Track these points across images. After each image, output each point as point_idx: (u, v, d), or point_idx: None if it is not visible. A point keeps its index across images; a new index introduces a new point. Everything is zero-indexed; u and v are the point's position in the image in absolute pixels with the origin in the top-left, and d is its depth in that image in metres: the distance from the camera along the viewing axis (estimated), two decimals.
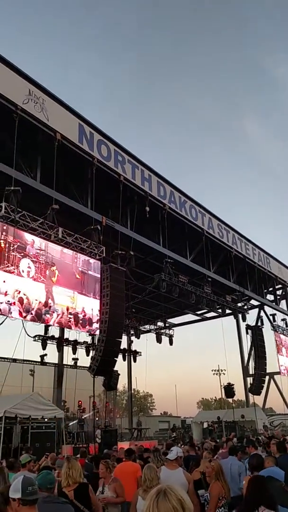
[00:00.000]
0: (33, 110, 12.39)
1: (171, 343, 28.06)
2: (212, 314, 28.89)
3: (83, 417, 21.67)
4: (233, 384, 24.38)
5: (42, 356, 22.39)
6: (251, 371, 25.98)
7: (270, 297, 28.71)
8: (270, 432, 21.25)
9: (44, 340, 21.49)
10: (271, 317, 27.51)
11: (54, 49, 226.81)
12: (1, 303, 10.86)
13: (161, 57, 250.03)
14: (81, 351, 23.01)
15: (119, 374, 20.83)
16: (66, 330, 17.96)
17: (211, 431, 23.36)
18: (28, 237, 12.06)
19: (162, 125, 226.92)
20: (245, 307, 26.40)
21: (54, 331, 21.51)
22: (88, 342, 22.33)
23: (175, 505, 1.52)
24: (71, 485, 4.33)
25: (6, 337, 17.70)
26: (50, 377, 23.75)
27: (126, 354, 27.64)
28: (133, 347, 28.66)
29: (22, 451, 10.08)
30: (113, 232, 15.40)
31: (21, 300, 11.38)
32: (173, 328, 29.10)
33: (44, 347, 21.79)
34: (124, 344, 25.68)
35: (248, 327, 25.55)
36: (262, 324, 26.85)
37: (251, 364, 25.93)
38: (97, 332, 14.40)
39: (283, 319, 28.71)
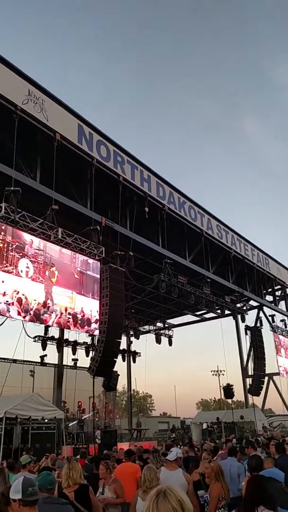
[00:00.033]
0: (32, 110, 12.40)
1: (170, 343, 28.04)
2: (211, 314, 28.91)
3: (83, 418, 21.66)
4: (232, 385, 24.39)
5: (42, 357, 22.39)
6: (250, 372, 25.98)
7: (269, 298, 28.75)
8: (270, 433, 21.26)
9: (44, 340, 21.49)
10: (270, 318, 27.54)
11: (54, 49, 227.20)
12: (0, 303, 10.86)
13: (161, 57, 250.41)
14: (80, 352, 23.04)
15: (118, 375, 20.84)
16: (66, 330, 17.98)
17: (210, 432, 23.36)
18: (26, 237, 12.04)
19: (162, 125, 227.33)
20: (244, 307, 26.36)
21: (54, 332, 21.53)
22: (88, 343, 22.34)
23: (175, 506, 1.52)
24: (71, 486, 4.33)
25: (6, 338, 17.74)
26: (50, 377, 23.74)
27: (126, 354, 27.65)
28: (133, 348, 28.65)
29: (22, 451, 10.08)
30: (112, 233, 15.41)
31: (19, 300, 11.36)
32: (172, 329, 29.08)
33: (44, 348, 21.79)
34: (123, 345, 25.70)
35: (247, 328, 25.57)
36: (261, 325, 26.87)
37: (250, 365, 25.94)
38: (96, 332, 14.39)
39: (282, 320, 28.73)
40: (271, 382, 28.54)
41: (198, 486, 5.35)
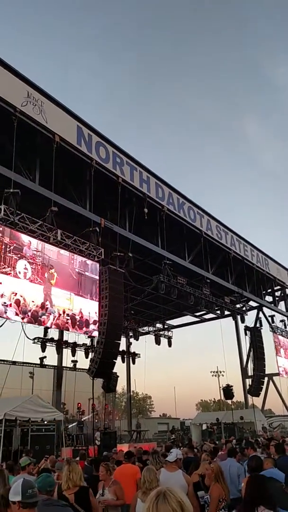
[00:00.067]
0: (31, 112, 12.42)
1: (170, 344, 28.04)
2: (211, 315, 28.91)
3: (82, 419, 21.60)
4: (232, 386, 24.37)
5: (41, 359, 22.36)
6: (250, 373, 25.95)
7: (269, 298, 28.76)
8: (270, 434, 21.26)
9: (43, 342, 21.48)
10: (269, 319, 27.55)
11: (53, 49, 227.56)
12: None
13: (161, 57, 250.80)
14: (80, 353, 23.03)
15: (118, 376, 20.81)
16: (65, 332, 17.96)
17: (210, 433, 23.33)
18: (24, 238, 12.02)
19: (162, 125, 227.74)
20: (244, 308, 26.35)
21: (54, 334, 21.51)
22: (87, 344, 22.33)
23: (175, 508, 1.53)
24: (71, 488, 4.32)
25: (5, 339, 17.69)
26: (50, 379, 23.70)
27: (125, 356, 27.64)
28: (132, 349, 28.64)
29: (22, 453, 10.07)
30: (111, 234, 15.41)
31: (17, 302, 11.32)
32: (172, 330, 29.08)
33: (43, 350, 21.78)
34: (123, 346, 25.68)
35: (247, 328, 25.56)
36: (261, 325, 26.86)
37: (250, 366, 25.91)
38: (94, 333, 14.35)
39: (281, 320, 28.74)
40: (270, 382, 28.52)
41: (197, 488, 5.34)
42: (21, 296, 11.47)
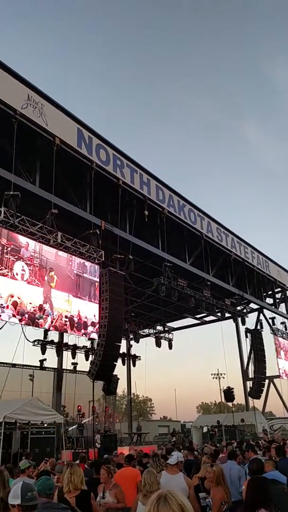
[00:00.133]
0: (32, 115, 12.44)
1: (170, 347, 28.00)
2: (211, 317, 28.85)
3: (82, 422, 21.56)
4: (232, 388, 24.32)
5: (41, 361, 22.34)
6: (251, 375, 25.92)
7: (270, 300, 28.72)
8: (270, 436, 21.19)
9: (43, 344, 21.45)
10: (270, 321, 27.54)
11: (53, 51, 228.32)
12: None
13: (161, 58, 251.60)
14: (80, 356, 23.00)
15: (118, 379, 20.78)
16: (65, 334, 17.92)
17: (212, 436, 23.25)
18: (22, 239, 11.97)
19: (162, 126, 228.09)
20: (245, 310, 26.39)
21: (54, 336, 21.49)
22: (88, 347, 22.31)
23: (176, 511, 1.52)
24: (72, 491, 4.30)
25: (5, 342, 17.67)
26: (50, 382, 23.66)
27: (126, 358, 27.60)
28: (133, 352, 28.62)
29: (22, 456, 10.03)
30: (112, 236, 15.41)
31: (14, 304, 11.27)
32: (172, 332, 29.06)
33: (43, 352, 21.76)
34: (123, 349, 25.66)
35: (247, 330, 25.54)
36: (262, 327, 26.86)
37: (251, 368, 25.87)
38: (92, 335, 14.29)
39: (282, 323, 28.70)
40: (271, 384, 28.47)
41: (197, 491, 5.33)
42: (18, 298, 11.42)
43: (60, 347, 22.30)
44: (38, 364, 22.53)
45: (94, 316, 14.04)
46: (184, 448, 14.42)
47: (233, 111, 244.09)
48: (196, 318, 29.97)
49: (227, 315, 25.21)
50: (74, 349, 22.57)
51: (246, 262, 23.71)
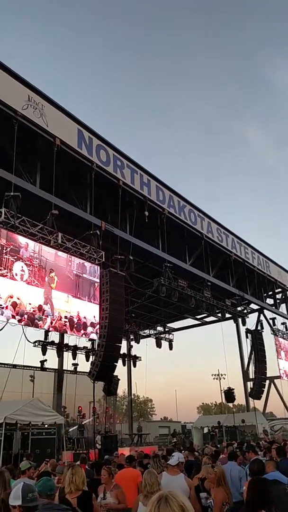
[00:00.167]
0: (32, 115, 12.44)
1: (171, 347, 28.00)
2: (211, 318, 28.85)
3: (83, 423, 21.55)
4: (233, 389, 24.30)
5: (42, 362, 22.32)
6: (251, 376, 25.90)
7: (270, 301, 28.70)
8: (271, 437, 21.16)
9: (44, 345, 21.44)
10: (271, 321, 27.52)
11: (53, 53, 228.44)
12: None
13: (161, 61, 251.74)
14: (81, 357, 22.98)
15: (119, 379, 20.78)
16: (66, 335, 17.91)
17: (212, 436, 23.24)
18: (21, 240, 11.95)
19: (162, 129, 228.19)
20: (245, 311, 26.36)
21: (54, 337, 21.48)
22: (88, 348, 22.29)
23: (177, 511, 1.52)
24: (73, 492, 4.30)
25: (6, 343, 17.68)
26: (50, 382, 23.65)
27: (126, 359, 27.58)
28: (133, 352, 28.60)
29: (22, 457, 10.03)
30: (112, 237, 15.42)
31: (14, 305, 11.24)
32: (172, 333, 29.05)
33: (44, 353, 21.74)
34: (123, 349, 25.64)
35: (248, 331, 25.52)
36: (262, 328, 26.84)
37: (251, 368, 25.86)
38: (92, 335, 14.26)
39: (283, 323, 28.68)
40: (272, 385, 28.44)
41: (197, 491, 5.33)
42: (18, 298, 11.39)
43: (61, 348, 22.29)
44: (38, 365, 22.52)
45: (94, 317, 14.02)
46: (184, 449, 14.43)
47: (233, 113, 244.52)
48: (197, 319, 29.96)
49: (227, 315, 25.23)
50: (74, 350, 22.56)
51: (246, 263, 23.70)
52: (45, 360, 22.23)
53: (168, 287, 17.54)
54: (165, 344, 27.51)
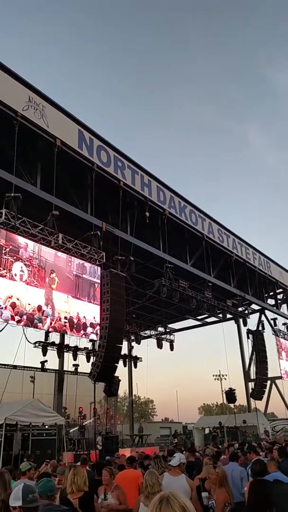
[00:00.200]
0: (33, 116, 12.45)
1: (172, 348, 27.97)
2: (213, 319, 28.84)
3: (84, 424, 21.54)
4: (234, 389, 24.25)
5: (42, 363, 22.28)
6: (253, 376, 25.85)
7: (271, 301, 28.69)
8: (273, 437, 21.13)
9: (44, 346, 21.41)
10: (272, 322, 27.50)
11: (53, 57, 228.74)
12: None
13: (161, 64, 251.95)
14: (81, 357, 22.93)
15: (120, 380, 20.72)
16: (66, 336, 17.89)
17: (214, 437, 23.20)
18: (21, 240, 11.92)
19: (162, 131, 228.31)
20: (246, 311, 26.34)
21: (55, 337, 21.46)
22: (89, 348, 22.26)
23: None
24: (75, 492, 4.29)
25: (6, 343, 17.66)
26: (51, 383, 23.63)
27: (127, 360, 27.56)
28: (134, 353, 28.56)
29: (23, 458, 10.01)
30: (113, 238, 15.41)
31: (13, 305, 11.22)
32: (173, 333, 29.02)
33: (44, 354, 21.70)
34: (124, 350, 25.62)
35: (249, 331, 25.46)
36: (263, 328, 26.79)
37: (253, 369, 25.82)
38: (91, 336, 14.24)
39: (284, 323, 28.66)
40: (273, 386, 28.40)
41: (198, 491, 5.31)
42: (17, 299, 11.36)
43: (61, 348, 22.27)
44: (39, 365, 22.48)
45: (94, 317, 14.00)
46: (186, 449, 14.42)
47: (233, 114, 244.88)
48: (198, 319, 29.93)
49: (228, 316, 25.22)
50: (75, 350, 22.54)
51: (247, 263, 23.68)
52: (46, 361, 22.19)
53: (169, 287, 17.53)
54: (166, 344, 27.51)
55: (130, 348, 28.94)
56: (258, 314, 27.43)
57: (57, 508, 3.61)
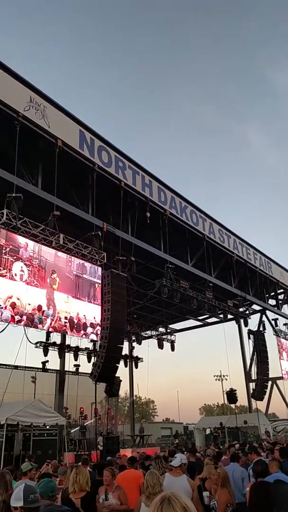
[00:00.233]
0: (34, 117, 12.46)
1: (172, 348, 27.95)
2: (213, 319, 28.82)
3: (85, 424, 21.54)
4: (235, 390, 24.26)
5: (43, 363, 22.29)
6: (254, 376, 25.84)
7: (272, 301, 28.66)
8: (274, 438, 21.11)
9: (45, 346, 21.42)
10: (273, 322, 27.47)
11: (53, 57, 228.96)
12: None
13: (161, 64, 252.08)
14: (82, 358, 22.94)
15: (120, 381, 20.75)
16: (67, 336, 17.90)
17: (215, 438, 23.18)
18: (21, 240, 11.91)
19: (162, 132, 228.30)
20: (247, 312, 26.32)
21: (56, 338, 21.47)
22: (90, 349, 22.27)
23: None
24: (77, 492, 4.29)
25: (7, 343, 17.66)
26: (52, 384, 23.64)
27: (128, 360, 27.55)
28: (135, 353, 28.54)
29: (24, 458, 10.02)
30: (114, 238, 15.41)
31: (13, 305, 11.22)
32: (174, 334, 29.00)
33: (45, 354, 21.71)
34: (125, 350, 25.61)
35: (250, 332, 25.45)
36: (264, 329, 26.75)
37: (254, 369, 25.80)
38: (92, 336, 14.22)
39: (285, 324, 28.62)
40: (274, 386, 28.37)
41: (199, 491, 5.31)
42: (18, 299, 11.36)
43: (62, 349, 22.28)
44: (40, 366, 22.49)
45: (94, 317, 13.99)
46: (187, 450, 14.40)
47: (233, 114, 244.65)
48: (199, 320, 29.92)
49: (229, 316, 25.19)
50: (76, 351, 22.55)
51: (248, 264, 23.66)
52: (47, 361, 22.21)
53: (170, 288, 17.52)
54: (167, 345, 27.49)
55: (131, 348, 28.92)
56: (259, 314, 27.40)
57: (58, 508, 3.62)
